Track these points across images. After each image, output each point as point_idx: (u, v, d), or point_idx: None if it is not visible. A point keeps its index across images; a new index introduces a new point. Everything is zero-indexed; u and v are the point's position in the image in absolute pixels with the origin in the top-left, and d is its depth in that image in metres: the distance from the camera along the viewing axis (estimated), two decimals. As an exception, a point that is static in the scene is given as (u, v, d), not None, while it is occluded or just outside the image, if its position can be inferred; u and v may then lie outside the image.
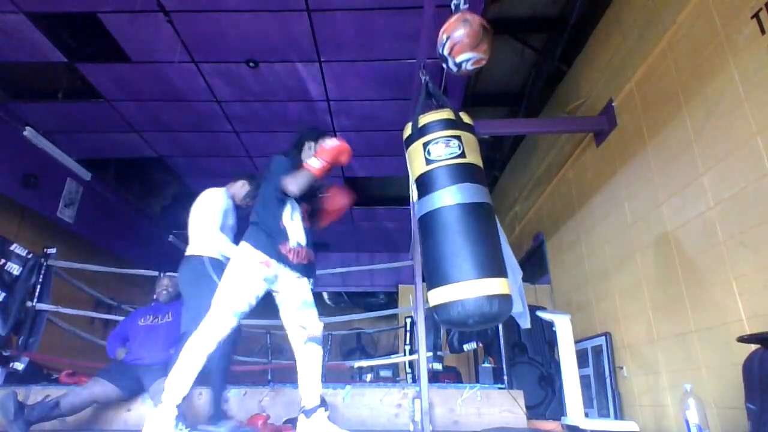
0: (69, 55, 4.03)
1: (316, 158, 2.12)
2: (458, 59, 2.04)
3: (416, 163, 2.05)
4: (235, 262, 2.11)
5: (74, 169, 5.40)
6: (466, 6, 2.10)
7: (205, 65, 4.14)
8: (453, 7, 2.12)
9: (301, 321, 2.21)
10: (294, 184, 2.09)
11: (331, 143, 2.15)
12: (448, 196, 1.90)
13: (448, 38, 2.03)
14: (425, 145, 2.01)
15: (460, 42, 2.01)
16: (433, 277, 1.89)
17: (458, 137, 1.99)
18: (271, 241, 2.10)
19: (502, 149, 5.67)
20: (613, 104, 3.33)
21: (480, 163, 2.04)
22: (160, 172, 6.12)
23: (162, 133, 5.21)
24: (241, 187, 2.86)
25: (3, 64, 4.16)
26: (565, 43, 3.88)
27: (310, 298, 2.27)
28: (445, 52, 2.06)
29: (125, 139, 5.29)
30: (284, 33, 3.77)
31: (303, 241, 2.19)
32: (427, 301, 1.97)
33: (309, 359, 2.19)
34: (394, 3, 3.48)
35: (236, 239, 2.47)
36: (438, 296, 1.86)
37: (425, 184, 1.98)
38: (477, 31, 1.99)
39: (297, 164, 2.22)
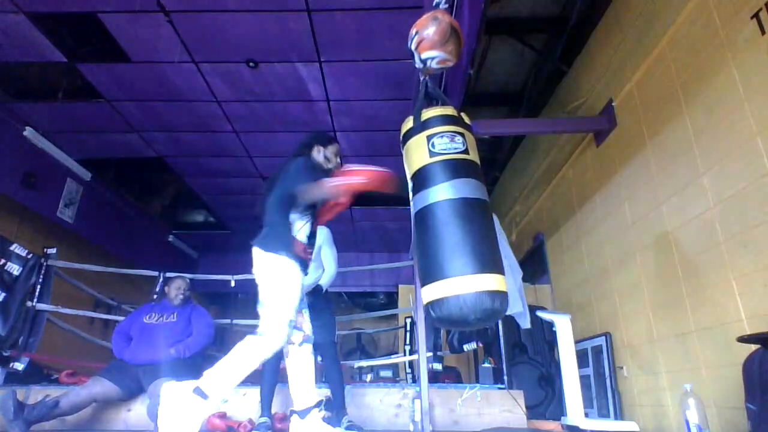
0: (69, 55, 4.03)
1: (343, 189, 2.02)
2: (423, 56, 2.03)
3: (417, 155, 2.00)
4: (279, 275, 2.04)
5: (74, 169, 5.41)
6: (446, 6, 2.11)
7: (205, 65, 4.13)
8: (434, 4, 2.14)
9: (298, 322, 2.20)
10: (308, 195, 2.05)
11: (380, 174, 2.00)
12: (451, 190, 1.86)
13: (416, 33, 2.03)
14: (429, 137, 1.97)
15: (427, 39, 2.00)
16: (430, 271, 1.82)
17: (462, 134, 1.98)
18: (290, 244, 2.07)
19: (502, 149, 5.67)
20: (613, 104, 3.33)
21: (479, 162, 2.04)
22: (160, 172, 6.12)
23: (162, 133, 5.21)
24: None
25: (3, 64, 4.16)
26: (565, 43, 3.88)
27: (304, 297, 2.27)
28: (413, 47, 2.05)
29: (125, 139, 5.29)
30: (284, 33, 3.77)
31: (305, 241, 2.17)
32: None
33: (304, 361, 2.19)
34: (394, 3, 3.48)
35: None
36: (434, 292, 1.79)
37: (426, 176, 1.93)
38: (444, 30, 1.99)
39: (314, 165, 2.25)
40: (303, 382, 2.17)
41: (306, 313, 2.24)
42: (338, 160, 2.38)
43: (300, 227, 2.14)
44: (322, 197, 2.12)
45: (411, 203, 2.01)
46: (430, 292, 1.81)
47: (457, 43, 2.04)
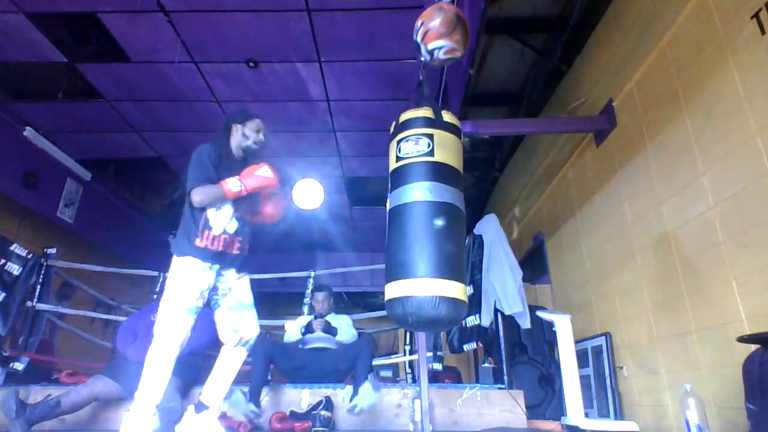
0: (69, 55, 4.03)
1: (238, 182, 2.08)
2: (430, 46, 2.02)
3: (390, 159, 2.08)
4: (176, 274, 2.07)
5: (74, 169, 5.41)
6: None
7: (205, 65, 4.14)
8: None
9: (235, 324, 2.18)
10: (199, 196, 2.04)
11: (261, 173, 2.11)
12: (408, 193, 1.90)
13: (422, 24, 2.02)
14: (398, 142, 2.03)
15: (433, 29, 1.99)
16: (386, 272, 1.89)
17: (430, 135, 1.98)
18: (191, 240, 2.07)
19: (502, 149, 5.67)
20: (613, 104, 3.33)
21: (453, 162, 2.01)
22: (160, 172, 6.12)
23: (162, 133, 5.21)
24: None
25: (3, 64, 4.16)
26: (565, 43, 3.88)
27: (249, 299, 2.23)
28: (419, 39, 2.04)
29: (125, 139, 5.29)
30: (284, 33, 3.77)
31: (231, 231, 2.14)
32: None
33: (231, 362, 2.18)
34: (394, 3, 3.48)
35: None
36: (389, 291, 1.85)
37: (392, 181, 2.01)
38: (450, 20, 1.98)
39: (220, 151, 2.20)
40: (219, 380, 2.16)
41: (247, 313, 2.21)
42: (260, 136, 2.30)
43: (206, 219, 2.10)
44: (211, 202, 2.08)
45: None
46: (387, 292, 1.88)
47: (463, 33, 2.01)
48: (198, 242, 2.06)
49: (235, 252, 2.17)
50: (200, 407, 2.12)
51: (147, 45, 3.89)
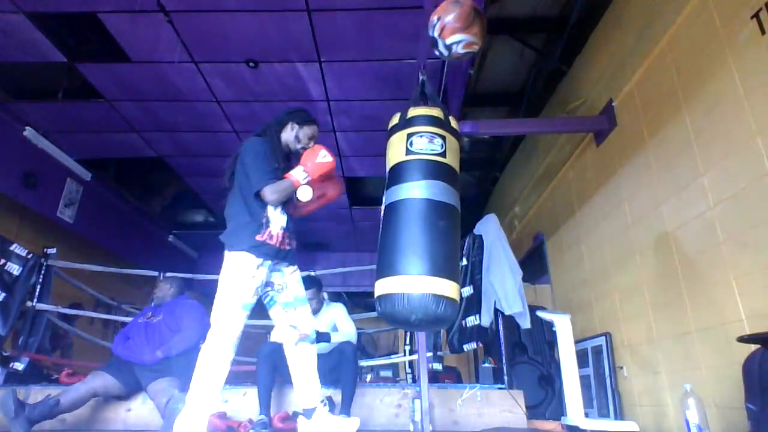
0: (69, 55, 4.03)
1: (303, 171, 2.06)
2: (448, 41, 1.98)
3: (395, 151, 2.03)
4: (232, 269, 2.03)
5: (74, 169, 5.41)
6: None
7: (205, 65, 4.14)
8: None
9: (292, 320, 2.16)
10: (274, 195, 2.02)
11: (322, 158, 2.07)
12: (419, 190, 1.87)
13: (438, 20, 1.98)
14: (409, 135, 1.99)
15: (450, 24, 1.95)
16: (384, 266, 1.84)
17: (443, 137, 1.98)
18: (251, 235, 2.02)
19: (502, 149, 5.67)
20: (613, 104, 3.33)
21: (457, 168, 2.03)
22: (160, 172, 6.12)
23: (162, 133, 5.21)
24: None
25: (3, 64, 4.16)
26: (565, 43, 3.88)
27: (303, 293, 2.22)
28: (435, 34, 2.00)
29: (125, 139, 5.29)
30: (284, 33, 3.77)
31: (284, 225, 2.11)
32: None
33: (303, 361, 2.16)
34: (394, 3, 3.48)
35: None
36: (384, 286, 1.80)
37: (399, 173, 1.96)
38: (468, 13, 1.94)
39: (274, 145, 2.16)
40: (304, 381, 2.15)
41: (302, 308, 2.19)
42: (311, 144, 2.25)
43: (267, 216, 2.06)
44: (284, 198, 2.05)
45: (383, 198, 2.03)
46: (381, 287, 1.82)
47: (481, 25, 1.98)
48: (259, 237, 2.02)
49: (287, 247, 2.14)
50: (308, 413, 2.12)
51: (147, 45, 3.89)
